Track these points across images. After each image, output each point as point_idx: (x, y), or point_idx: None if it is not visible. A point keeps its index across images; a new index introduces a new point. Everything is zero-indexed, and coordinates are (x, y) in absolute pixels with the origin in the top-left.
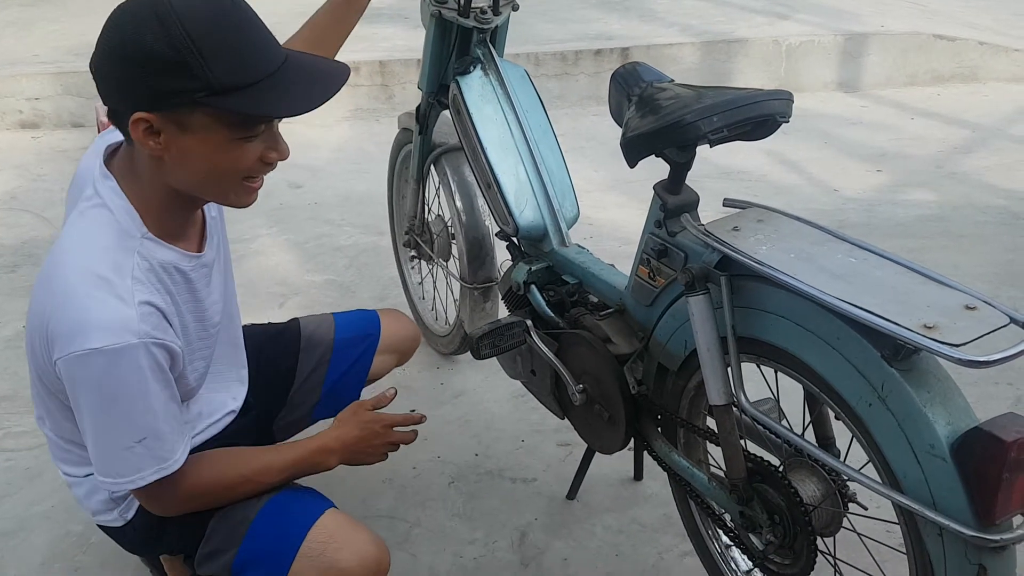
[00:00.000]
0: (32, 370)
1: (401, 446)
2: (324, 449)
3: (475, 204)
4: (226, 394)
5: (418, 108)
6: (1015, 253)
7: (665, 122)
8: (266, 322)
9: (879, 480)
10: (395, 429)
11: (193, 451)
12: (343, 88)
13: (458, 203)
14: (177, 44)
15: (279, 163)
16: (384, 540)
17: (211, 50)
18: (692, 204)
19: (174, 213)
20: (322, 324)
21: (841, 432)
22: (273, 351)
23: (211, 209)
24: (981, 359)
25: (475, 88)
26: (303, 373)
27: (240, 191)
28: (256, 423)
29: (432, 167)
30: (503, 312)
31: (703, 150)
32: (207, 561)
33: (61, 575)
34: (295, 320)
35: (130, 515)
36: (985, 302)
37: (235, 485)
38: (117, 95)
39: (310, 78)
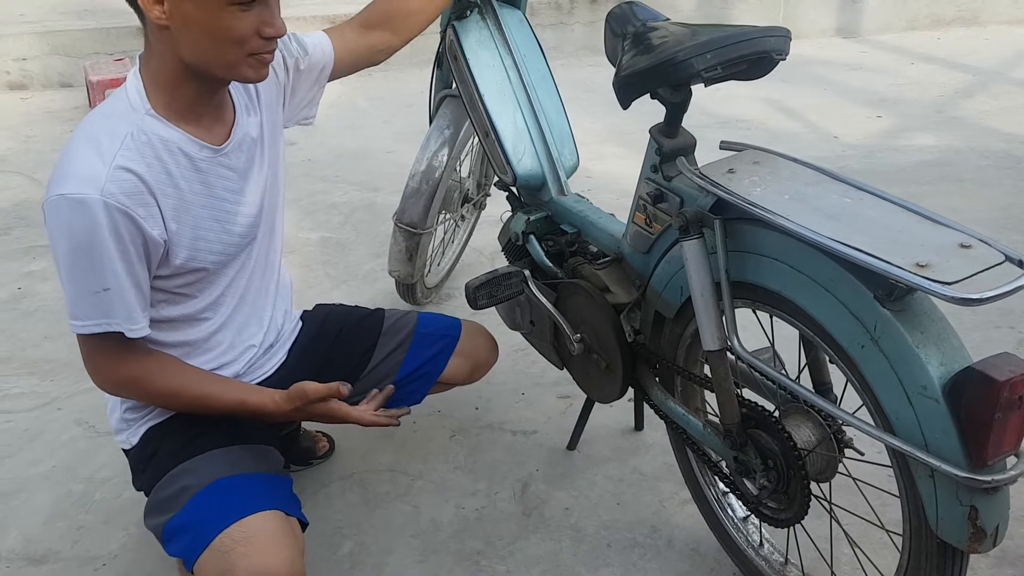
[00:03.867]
0: None
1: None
2: (266, 413)
3: (440, 152)
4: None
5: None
6: (1017, 197)
7: (658, 60)
8: (353, 304)
9: (871, 423)
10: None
11: None
12: None
13: (429, 143)
14: None
15: None
16: (301, 569)
17: None
18: (689, 147)
19: (185, 92)
20: (406, 315)
21: (839, 379)
22: (354, 333)
23: (249, 126)
24: (973, 297)
25: (472, 33)
26: (379, 356)
27: (246, 64)
28: None
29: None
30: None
31: (700, 98)
32: (149, 515)
33: (64, 533)
34: (380, 309)
35: (135, 440)
36: (980, 240)
37: (176, 395)
38: None
39: None
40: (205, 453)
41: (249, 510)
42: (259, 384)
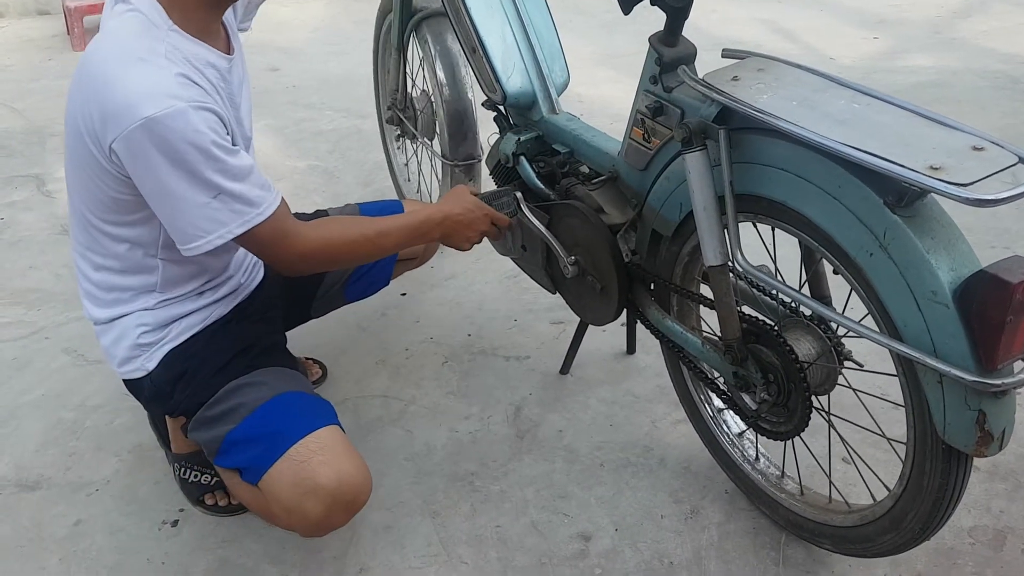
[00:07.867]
0: (75, 180)
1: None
2: (431, 220)
3: (457, 74)
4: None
5: None
6: (1014, 117)
7: None
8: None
9: (876, 331)
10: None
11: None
12: None
13: (439, 73)
14: None
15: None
16: (371, 476)
17: None
18: (690, 57)
19: (199, 6)
20: (346, 208)
21: (837, 292)
22: None
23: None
24: (989, 197)
25: None
26: None
27: None
28: (293, 299)
29: (414, 35)
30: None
31: (695, 19)
32: (201, 428)
33: (56, 460)
34: (323, 210)
35: (151, 365)
36: (993, 142)
37: (355, 240)
38: None
39: None
40: (254, 371)
41: (318, 423)
42: (248, 298)
